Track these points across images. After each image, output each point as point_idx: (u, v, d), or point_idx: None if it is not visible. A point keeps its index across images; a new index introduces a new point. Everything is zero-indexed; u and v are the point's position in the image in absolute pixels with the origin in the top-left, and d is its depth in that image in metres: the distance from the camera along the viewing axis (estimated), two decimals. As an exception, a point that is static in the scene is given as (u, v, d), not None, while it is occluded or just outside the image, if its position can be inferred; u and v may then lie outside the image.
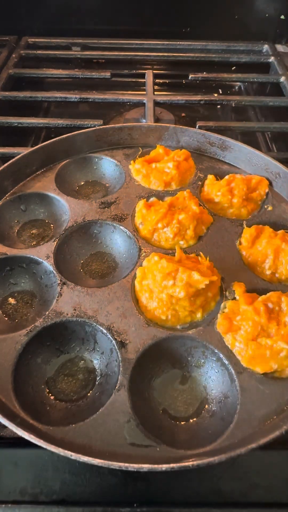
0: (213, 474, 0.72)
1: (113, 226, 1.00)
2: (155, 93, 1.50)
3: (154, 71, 1.60)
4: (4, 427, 0.74)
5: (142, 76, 1.61)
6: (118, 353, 0.76)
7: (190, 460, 0.61)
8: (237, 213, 1.04)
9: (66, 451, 0.60)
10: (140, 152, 1.18)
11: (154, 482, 0.71)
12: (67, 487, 0.71)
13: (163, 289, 0.80)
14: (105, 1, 1.77)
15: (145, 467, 0.59)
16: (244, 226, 0.98)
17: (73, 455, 0.60)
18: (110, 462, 0.59)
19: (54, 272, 0.89)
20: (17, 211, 1.06)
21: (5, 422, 0.64)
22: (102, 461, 0.59)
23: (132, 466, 0.59)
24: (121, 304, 0.84)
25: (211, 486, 0.72)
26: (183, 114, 1.61)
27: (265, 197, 1.07)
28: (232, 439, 0.66)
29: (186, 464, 0.60)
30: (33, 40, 1.79)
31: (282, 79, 1.57)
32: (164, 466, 0.59)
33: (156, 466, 0.59)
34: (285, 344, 0.72)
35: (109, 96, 1.48)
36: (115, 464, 0.59)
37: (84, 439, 0.66)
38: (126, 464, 0.59)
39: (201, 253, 0.90)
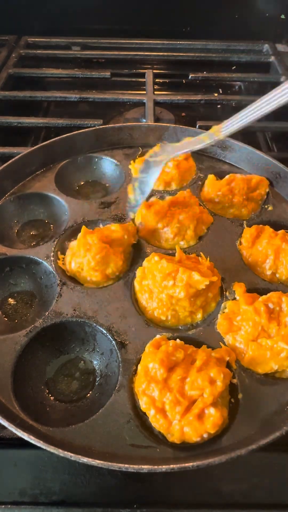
0: (214, 475, 0.72)
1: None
2: (155, 92, 1.50)
3: (154, 71, 1.60)
4: (4, 427, 0.74)
5: (142, 75, 1.60)
6: (118, 354, 0.76)
7: (190, 461, 0.61)
8: (237, 213, 1.04)
9: (65, 452, 0.60)
10: (140, 152, 1.18)
11: (154, 483, 0.71)
12: (67, 488, 0.71)
13: (163, 289, 0.80)
14: (105, 1, 1.77)
15: (145, 468, 0.59)
16: (245, 226, 0.98)
17: (73, 456, 0.60)
18: (109, 463, 0.59)
19: (54, 272, 0.89)
20: (16, 211, 1.06)
21: (5, 423, 0.64)
22: (102, 462, 0.59)
23: (132, 467, 0.59)
24: (121, 304, 0.83)
25: (212, 487, 0.71)
26: (183, 114, 1.60)
27: (265, 197, 1.07)
28: (232, 439, 0.66)
29: (186, 465, 0.59)
30: (32, 39, 1.79)
31: (283, 78, 1.57)
32: (164, 467, 0.59)
33: (156, 467, 0.59)
34: (286, 345, 0.72)
35: (109, 95, 1.48)
36: (115, 465, 0.59)
37: (84, 440, 0.66)
38: (126, 465, 0.59)
39: (201, 253, 0.90)
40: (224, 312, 0.82)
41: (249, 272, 0.90)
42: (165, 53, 1.76)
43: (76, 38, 1.79)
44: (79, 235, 0.89)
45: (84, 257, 0.86)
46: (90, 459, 0.59)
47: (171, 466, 0.59)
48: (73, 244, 0.91)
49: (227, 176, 1.07)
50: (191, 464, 0.59)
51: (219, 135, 0.67)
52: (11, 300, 0.91)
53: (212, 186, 1.06)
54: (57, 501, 0.70)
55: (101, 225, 0.96)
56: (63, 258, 0.92)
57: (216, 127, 0.77)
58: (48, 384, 0.77)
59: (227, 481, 0.72)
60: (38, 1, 1.76)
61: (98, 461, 0.59)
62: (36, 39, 1.79)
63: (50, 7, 1.76)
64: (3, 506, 0.69)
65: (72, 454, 0.60)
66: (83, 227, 0.90)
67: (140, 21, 1.83)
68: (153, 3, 1.78)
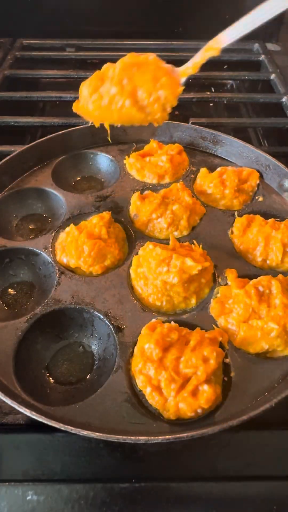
0: (209, 454, 0.74)
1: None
2: (149, 91, 1.53)
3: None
4: (6, 414, 0.77)
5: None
6: (115, 338, 0.79)
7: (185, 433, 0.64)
8: (229, 204, 1.07)
9: (66, 426, 0.63)
10: (134, 148, 1.21)
11: (152, 462, 0.74)
12: (68, 469, 0.73)
13: (157, 275, 0.83)
14: (98, 2, 1.80)
15: (142, 439, 0.62)
16: (236, 216, 1.01)
17: (73, 429, 0.63)
18: (108, 435, 0.62)
19: (52, 262, 0.92)
20: (15, 206, 1.09)
21: (7, 400, 0.66)
22: (100, 434, 0.62)
23: (130, 438, 0.62)
24: (117, 291, 0.86)
25: (207, 465, 0.74)
26: (176, 113, 1.63)
27: (256, 188, 1.10)
28: (225, 414, 0.69)
29: (181, 435, 0.62)
30: (28, 41, 1.81)
31: (273, 76, 1.61)
32: (160, 438, 0.62)
33: (152, 437, 0.62)
34: (275, 324, 0.75)
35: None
36: (113, 437, 0.62)
37: (84, 417, 0.68)
38: (124, 437, 0.62)
39: (194, 241, 0.93)
40: (216, 297, 0.85)
41: (240, 259, 0.93)
42: (159, 53, 1.78)
43: (70, 40, 1.81)
44: (68, 232, 0.93)
45: (78, 259, 0.89)
46: (89, 432, 0.62)
47: (167, 436, 0.62)
48: (62, 236, 0.94)
49: (218, 169, 1.10)
50: (185, 434, 0.62)
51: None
52: (11, 291, 0.93)
53: (204, 179, 1.09)
54: (59, 480, 0.72)
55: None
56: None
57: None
58: (49, 369, 0.80)
59: (222, 459, 0.74)
60: (32, 4, 1.79)
61: (97, 434, 0.62)
62: (31, 41, 1.81)
63: (44, 9, 1.79)
64: (6, 484, 0.71)
65: (72, 428, 0.63)
66: (71, 225, 0.93)
67: (133, 22, 1.86)
68: (146, 4, 1.81)
